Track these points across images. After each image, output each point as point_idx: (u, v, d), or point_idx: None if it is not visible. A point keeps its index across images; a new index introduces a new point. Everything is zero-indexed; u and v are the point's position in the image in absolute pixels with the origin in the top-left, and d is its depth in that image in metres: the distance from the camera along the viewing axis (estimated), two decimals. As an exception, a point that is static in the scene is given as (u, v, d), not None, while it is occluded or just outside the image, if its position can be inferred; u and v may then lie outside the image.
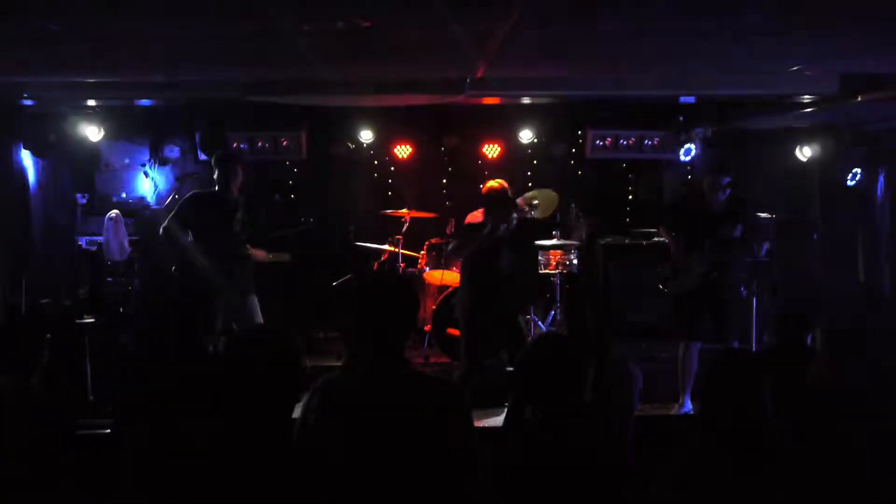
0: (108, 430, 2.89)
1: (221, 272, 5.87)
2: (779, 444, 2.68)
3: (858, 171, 7.63)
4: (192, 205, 5.95)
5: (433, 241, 7.63)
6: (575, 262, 7.28)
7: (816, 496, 2.68)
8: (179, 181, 7.61)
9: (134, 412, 2.79)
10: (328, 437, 2.57)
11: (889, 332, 3.20)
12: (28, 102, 6.45)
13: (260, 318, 6.01)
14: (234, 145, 7.65)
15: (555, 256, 7.26)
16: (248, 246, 6.13)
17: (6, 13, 3.73)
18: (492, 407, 5.89)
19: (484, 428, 4.80)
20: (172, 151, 7.93)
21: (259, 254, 6.27)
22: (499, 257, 5.73)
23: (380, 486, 2.51)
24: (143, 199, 7.84)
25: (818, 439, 2.82)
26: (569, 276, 7.43)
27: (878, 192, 7.36)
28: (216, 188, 5.99)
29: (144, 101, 6.81)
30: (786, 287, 7.32)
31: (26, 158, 7.07)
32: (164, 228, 5.90)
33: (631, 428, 3.61)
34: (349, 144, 8.12)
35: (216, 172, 5.98)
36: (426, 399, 2.63)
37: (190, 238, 5.93)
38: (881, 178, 7.33)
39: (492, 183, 5.73)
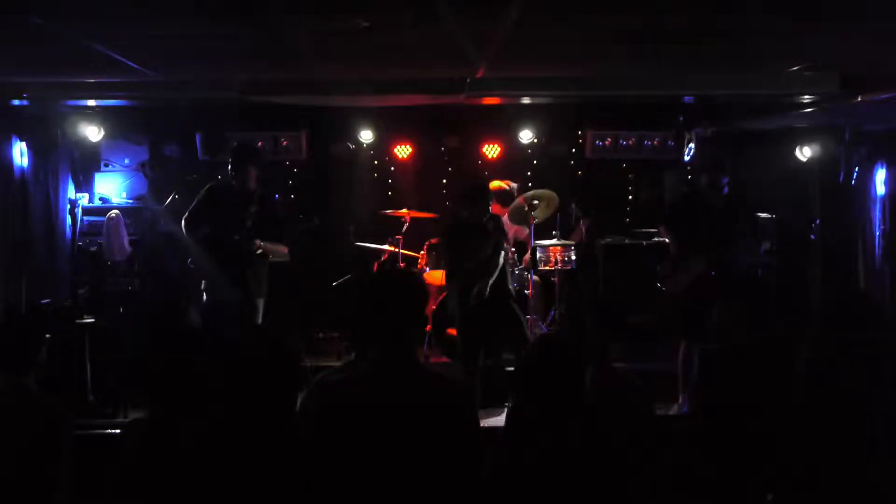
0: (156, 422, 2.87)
1: (231, 271, 5.80)
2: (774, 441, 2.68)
3: (857, 170, 7.61)
4: (207, 197, 5.95)
5: (433, 241, 7.63)
6: (573, 260, 7.29)
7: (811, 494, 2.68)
8: (179, 181, 7.59)
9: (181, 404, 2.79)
10: (327, 436, 2.56)
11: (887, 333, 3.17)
12: (28, 102, 6.44)
13: (259, 320, 5.97)
14: (234, 144, 7.65)
15: (553, 255, 7.26)
16: (259, 241, 5.86)
17: (5, 13, 3.72)
18: (492, 407, 5.90)
19: (484, 428, 4.80)
20: (172, 151, 7.92)
21: (282, 249, 6.09)
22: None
23: (382, 485, 2.51)
24: (143, 199, 7.83)
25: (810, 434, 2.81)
26: (567, 276, 7.43)
27: (874, 190, 7.34)
28: (232, 182, 5.94)
29: (144, 102, 6.80)
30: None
31: (26, 158, 7.05)
32: (184, 221, 5.90)
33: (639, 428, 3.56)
34: (349, 144, 8.10)
35: (231, 166, 5.92)
36: (432, 398, 2.62)
37: (206, 230, 5.86)
38: (875, 172, 7.29)
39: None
